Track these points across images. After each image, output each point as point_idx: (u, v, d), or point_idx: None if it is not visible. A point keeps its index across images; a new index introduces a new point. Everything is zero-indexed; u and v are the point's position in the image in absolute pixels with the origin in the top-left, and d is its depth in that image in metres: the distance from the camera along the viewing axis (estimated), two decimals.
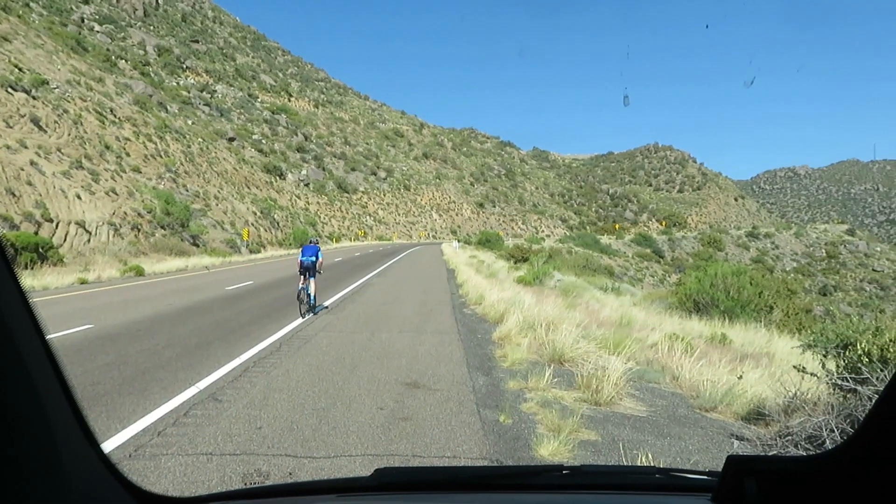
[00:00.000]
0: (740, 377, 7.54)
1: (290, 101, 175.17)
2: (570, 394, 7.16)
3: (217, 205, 54.93)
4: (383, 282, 23.94)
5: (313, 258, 14.01)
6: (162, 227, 39.38)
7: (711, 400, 7.04)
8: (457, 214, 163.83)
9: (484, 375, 8.10)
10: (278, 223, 67.93)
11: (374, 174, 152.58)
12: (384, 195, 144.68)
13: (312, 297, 13.87)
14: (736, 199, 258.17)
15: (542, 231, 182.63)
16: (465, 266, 31.71)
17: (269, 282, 22.97)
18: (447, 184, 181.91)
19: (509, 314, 12.41)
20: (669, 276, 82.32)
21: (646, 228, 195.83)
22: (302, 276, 13.86)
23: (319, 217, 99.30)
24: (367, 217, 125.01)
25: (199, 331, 11.28)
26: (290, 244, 61.51)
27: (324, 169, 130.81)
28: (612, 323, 13.70)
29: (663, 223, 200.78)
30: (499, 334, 10.86)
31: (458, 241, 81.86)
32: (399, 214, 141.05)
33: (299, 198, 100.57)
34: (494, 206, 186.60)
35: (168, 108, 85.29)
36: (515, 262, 46.43)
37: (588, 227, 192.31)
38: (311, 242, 14.51)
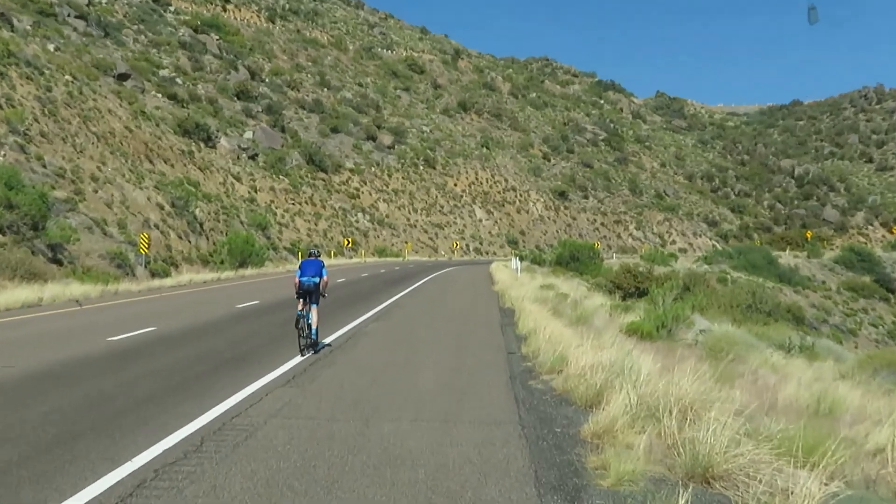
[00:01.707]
0: None
1: (224, 10, 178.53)
2: None
3: (96, 191, 55.90)
4: (387, 329, 23.94)
5: (316, 279, 18.05)
6: None
7: None
8: (518, 210, 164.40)
9: (567, 503, 8.00)
10: (202, 225, 68.81)
11: (373, 139, 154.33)
12: (390, 176, 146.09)
13: (314, 330, 18.13)
14: None
15: (673, 240, 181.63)
16: (533, 303, 31.57)
17: (186, 328, 23.15)
18: (502, 156, 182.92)
19: (612, 391, 12.25)
20: None
21: (862, 238, 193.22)
22: (301, 301, 17.90)
23: (275, 213, 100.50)
24: (359, 214, 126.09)
25: (55, 415, 11.39)
26: (223, 262, 62.15)
27: (283, 129, 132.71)
28: (799, 410, 13.42)
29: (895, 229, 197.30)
30: (594, 428, 10.72)
31: (521, 259, 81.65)
32: (415, 210, 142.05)
33: (239, 179, 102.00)
34: (586, 197, 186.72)
35: (14, 22, 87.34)
36: (623, 298, 46.01)
37: (756, 236, 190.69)
38: (311, 256, 18.59)
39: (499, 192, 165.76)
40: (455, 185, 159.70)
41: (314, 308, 18.08)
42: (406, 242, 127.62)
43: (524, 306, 29.64)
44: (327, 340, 20.83)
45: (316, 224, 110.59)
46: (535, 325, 22.71)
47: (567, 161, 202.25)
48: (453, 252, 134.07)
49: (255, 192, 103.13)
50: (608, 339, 18.94)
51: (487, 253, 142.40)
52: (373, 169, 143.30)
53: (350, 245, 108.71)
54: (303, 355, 17.49)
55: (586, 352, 15.78)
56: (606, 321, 27.55)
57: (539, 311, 27.62)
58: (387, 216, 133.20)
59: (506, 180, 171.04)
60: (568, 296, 38.23)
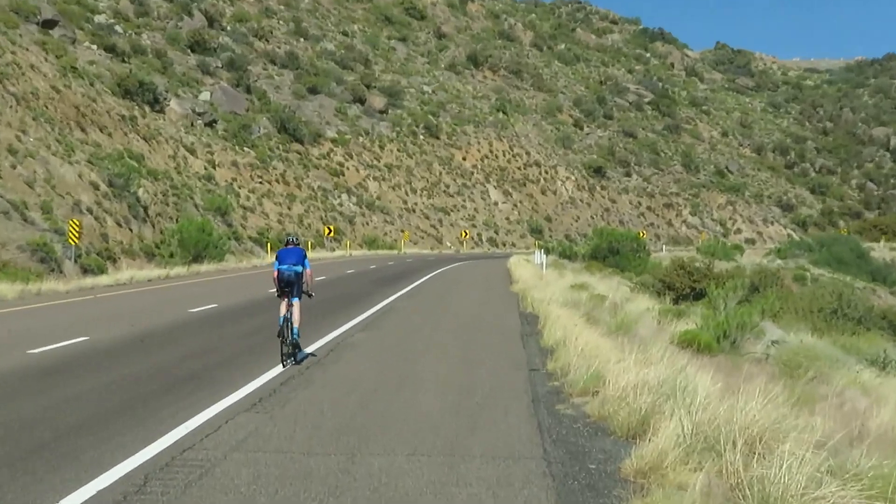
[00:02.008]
0: None
1: None
2: None
3: (14, 167, 55.93)
4: (379, 339, 24.00)
5: (298, 268, 19.15)
6: None
7: None
8: (543, 191, 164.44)
9: None
10: (146, 209, 68.82)
11: (361, 101, 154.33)
12: (382, 147, 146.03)
13: (296, 331, 19.06)
14: None
15: (738, 229, 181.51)
16: (562, 308, 31.55)
17: (125, 338, 23.28)
18: (523, 123, 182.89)
19: (661, 418, 12.22)
20: None
21: None
22: (284, 299, 19.14)
23: (238, 194, 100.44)
24: (343, 196, 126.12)
25: None
26: (173, 255, 62.22)
27: (248, 90, 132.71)
28: None
29: None
30: (638, 463, 10.69)
31: (547, 252, 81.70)
32: (414, 191, 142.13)
33: (194, 152, 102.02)
34: (628, 175, 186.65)
35: None
36: (675, 301, 45.90)
37: (842, 223, 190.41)
38: (289, 244, 19.77)
39: (519, 168, 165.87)
40: (464, 159, 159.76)
41: (296, 304, 18.96)
42: (402, 231, 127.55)
43: (551, 311, 29.64)
44: (308, 350, 20.88)
45: (289, 208, 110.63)
46: (564, 334, 22.72)
47: (604, 129, 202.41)
48: (462, 243, 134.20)
49: (214, 167, 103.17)
50: (656, 353, 18.93)
51: (505, 244, 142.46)
52: (361, 139, 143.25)
53: (332, 234, 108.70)
54: (284, 365, 18.41)
55: (628, 368, 15.78)
56: (654, 330, 27.49)
57: (569, 318, 27.59)
58: (378, 198, 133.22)
59: (528, 153, 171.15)
60: (605, 298, 38.18)
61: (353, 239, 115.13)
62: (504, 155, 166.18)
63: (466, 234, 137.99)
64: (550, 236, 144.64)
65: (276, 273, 18.99)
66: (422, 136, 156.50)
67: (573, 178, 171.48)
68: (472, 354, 21.78)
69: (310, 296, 19.46)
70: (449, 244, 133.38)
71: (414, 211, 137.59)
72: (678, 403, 12.80)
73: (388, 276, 57.81)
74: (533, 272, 57.05)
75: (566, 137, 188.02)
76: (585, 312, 31.38)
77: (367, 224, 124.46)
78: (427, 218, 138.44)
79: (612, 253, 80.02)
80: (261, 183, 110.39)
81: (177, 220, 70.44)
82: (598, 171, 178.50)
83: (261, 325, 25.85)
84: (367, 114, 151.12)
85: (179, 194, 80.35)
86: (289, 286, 18.89)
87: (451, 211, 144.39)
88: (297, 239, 20.34)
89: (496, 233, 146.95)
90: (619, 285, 50.84)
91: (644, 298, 41.67)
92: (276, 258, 19.19)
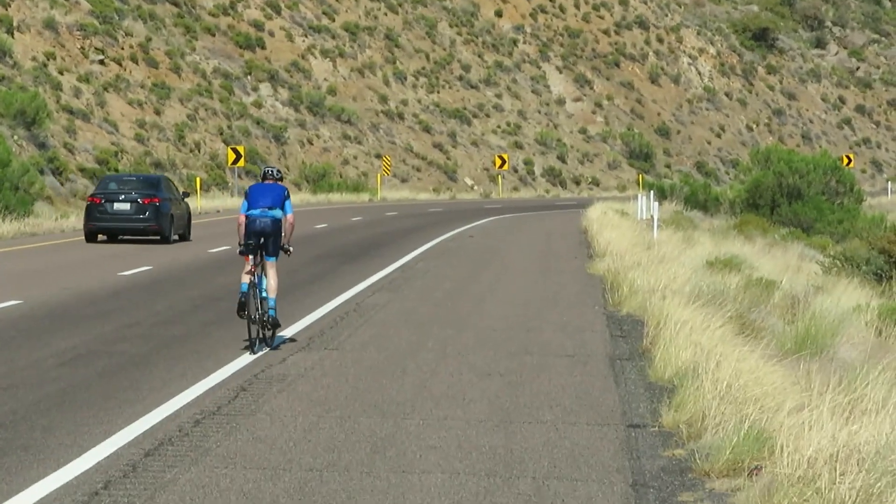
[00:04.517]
0: None
1: None
2: None
3: None
4: (337, 372, 24.02)
5: (276, 212, 21.08)
6: None
7: None
8: (653, 79, 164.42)
9: None
10: None
11: None
12: None
13: (272, 302, 21.22)
14: None
15: None
16: (690, 304, 31.61)
17: None
18: None
19: None
20: None
21: None
22: (248, 258, 21.11)
23: (59, 85, 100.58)
24: (263, 88, 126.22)
25: None
26: None
27: None
28: None
29: None
30: None
31: (662, 196, 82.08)
32: (402, 79, 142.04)
33: None
34: (820, 43, 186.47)
35: None
36: None
37: None
38: (266, 178, 22.11)
39: (606, 34, 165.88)
40: (499, 14, 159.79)
41: (271, 265, 21.45)
42: (380, 157, 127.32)
43: (668, 312, 29.70)
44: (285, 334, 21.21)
45: (158, 112, 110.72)
46: (693, 357, 22.86)
47: None
48: (496, 180, 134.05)
49: (11, 32, 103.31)
50: (873, 393, 19.10)
51: (578, 182, 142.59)
52: None
53: (241, 163, 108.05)
54: (254, 352, 20.75)
55: (819, 423, 15.90)
56: (870, 348, 27.54)
57: (704, 325, 27.67)
58: (331, 91, 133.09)
59: (623, 3, 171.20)
60: (775, 285, 38.32)
61: (284, 172, 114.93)
62: (577, 6, 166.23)
63: (504, 161, 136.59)
64: (667, 166, 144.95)
65: (242, 219, 20.97)
66: None
67: (712, 51, 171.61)
68: (518, 398, 21.88)
69: (287, 253, 21.47)
70: (470, 182, 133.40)
71: (402, 118, 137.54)
72: None
73: (352, 245, 58.17)
74: (634, 236, 57.29)
75: None
76: (734, 313, 31.44)
77: (311, 143, 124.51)
78: (427, 131, 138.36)
79: (789, 198, 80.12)
80: (102, 63, 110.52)
81: None
82: (762, 38, 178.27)
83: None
84: None
85: None
86: (261, 238, 20.75)
87: (475, 117, 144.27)
88: (275, 171, 22.43)
89: (562, 160, 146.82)
90: (800, 261, 50.98)
91: (850, 286, 41.77)
92: (245, 197, 21.28)
